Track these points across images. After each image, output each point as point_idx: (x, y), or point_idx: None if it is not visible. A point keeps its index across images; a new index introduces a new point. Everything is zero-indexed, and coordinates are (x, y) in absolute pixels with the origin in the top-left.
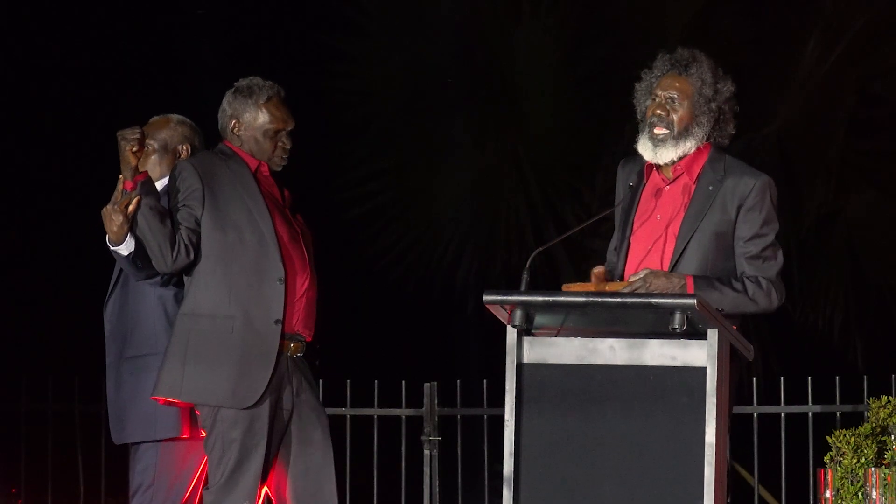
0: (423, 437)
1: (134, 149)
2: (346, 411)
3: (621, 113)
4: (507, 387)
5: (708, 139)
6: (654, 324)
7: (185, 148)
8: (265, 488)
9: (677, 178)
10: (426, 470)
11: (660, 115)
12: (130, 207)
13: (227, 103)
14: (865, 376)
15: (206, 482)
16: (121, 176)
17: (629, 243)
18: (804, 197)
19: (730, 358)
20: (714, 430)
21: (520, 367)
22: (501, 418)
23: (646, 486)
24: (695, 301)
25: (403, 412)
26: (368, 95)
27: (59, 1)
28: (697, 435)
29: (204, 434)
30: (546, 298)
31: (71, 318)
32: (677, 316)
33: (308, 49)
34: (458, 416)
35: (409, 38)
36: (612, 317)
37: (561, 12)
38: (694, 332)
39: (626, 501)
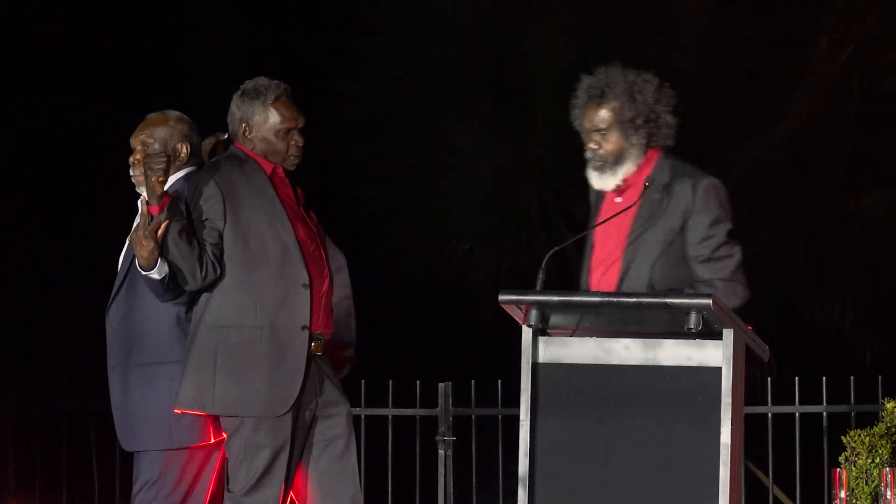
0: (438, 437)
1: (160, 179)
2: (361, 411)
3: None
4: (523, 387)
5: (652, 146)
6: (670, 324)
7: (184, 146)
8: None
9: (626, 190)
10: (441, 470)
11: (593, 149)
12: (160, 232)
13: (236, 107)
14: (880, 376)
15: (228, 486)
16: (143, 199)
17: (590, 260)
18: (816, 196)
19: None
20: (729, 430)
21: (535, 366)
22: (516, 418)
23: (661, 486)
24: (710, 301)
25: (418, 412)
26: (379, 94)
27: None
28: (712, 435)
29: (224, 436)
30: (561, 298)
31: (83, 319)
32: (693, 316)
33: (318, 48)
34: (473, 416)
35: (421, 37)
36: (628, 317)
37: (573, 11)
38: (709, 333)
39: (641, 501)
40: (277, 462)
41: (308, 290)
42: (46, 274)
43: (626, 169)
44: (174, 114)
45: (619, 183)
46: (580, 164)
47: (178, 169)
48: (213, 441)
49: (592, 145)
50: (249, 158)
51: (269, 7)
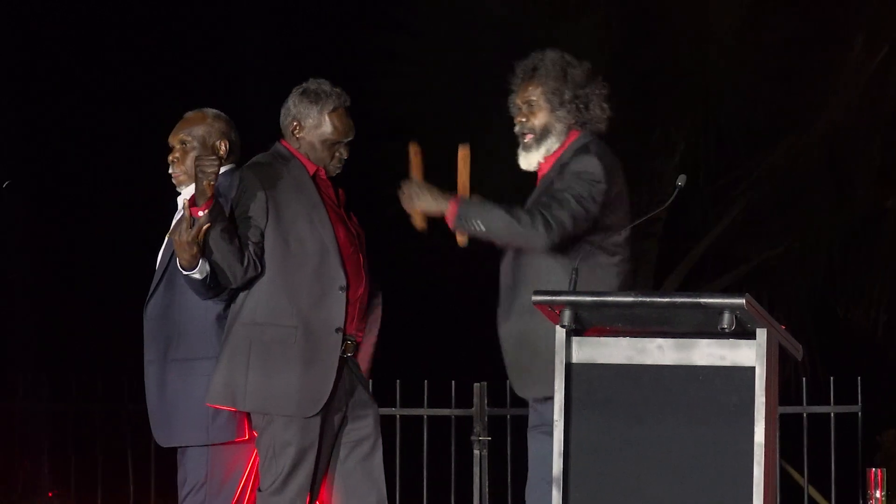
0: (473, 437)
1: (211, 182)
2: (397, 411)
3: (667, 112)
4: (556, 387)
5: (577, 127)
6: (703, 323)
7: (223, 143)
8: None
9: (540, 172)
10: (476, 470)
11: (522, 122)
12: (200, 236)
13: (293, 104)
14: None
15: (259, 485)
16: (184, 202)
17: None
18: (851, 196)
19: (778, 358)
20: (763, 430)
21: (568, 367)
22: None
23: (695, 486)
24: (744, 301)
25: (453, 412)
26: (415, 93)
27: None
28: (747, 435)
29: (255, 434)
30: (594, 298)
31: (119, 318)
32: (726, 316)
33: (354, 48)
34: (508, 416)
35: (458, 37)
36: (661, 316)
37: (606, 11)
38: (743, 332)
39: (675, 501)
40: (304, 462)
41: (344, 293)
42: (82, 273)
43: (550, 144)
44: (211, 111)
45: (541, 160)
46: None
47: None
48: (248, 437)
49: (521, 118)
50: (293, 157)
51: (308, 8)
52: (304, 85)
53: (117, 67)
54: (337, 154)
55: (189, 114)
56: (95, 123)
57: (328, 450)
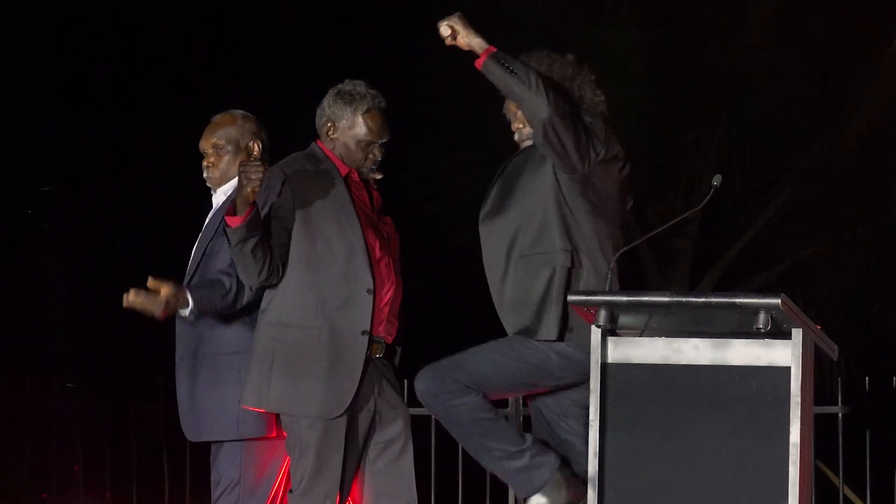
0: None
1: (256, 189)
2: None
3: (703, 112)
4: (592, 387)
5: None
6: (739, 323)
7: (256, 144)
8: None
9: None
10: None
11: (519, 128)
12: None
13: (327, 104)
14: None
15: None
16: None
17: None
18: (886, 195)
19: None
20: (799, 430)
21: (604, 367)
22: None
23: (730, 486)
24: (779, 301)
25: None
26: (446, 94)
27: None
28: (782, 435)
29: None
30: (630, 298)
31: (154, 318)
32: (762, 316)
33: (386, 49)
34: None
35: (495, 38)
36: (696, 316)
37: (642, 12)
38: (778, 332)
39: (710, 501)
40: (331, 463)
41: (371, 296)
42: (117, 273)
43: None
44: (240, 112)
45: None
46: (651, 163)
47: None
48: (276, 434)
49: (518, 124)
50: (326, 158)
51: (341, 9)
52: (339, 86)
53: (153, 69)
54: (371, 155)
55: (217, 117)
56: (132, 125)
57: (356, 451)
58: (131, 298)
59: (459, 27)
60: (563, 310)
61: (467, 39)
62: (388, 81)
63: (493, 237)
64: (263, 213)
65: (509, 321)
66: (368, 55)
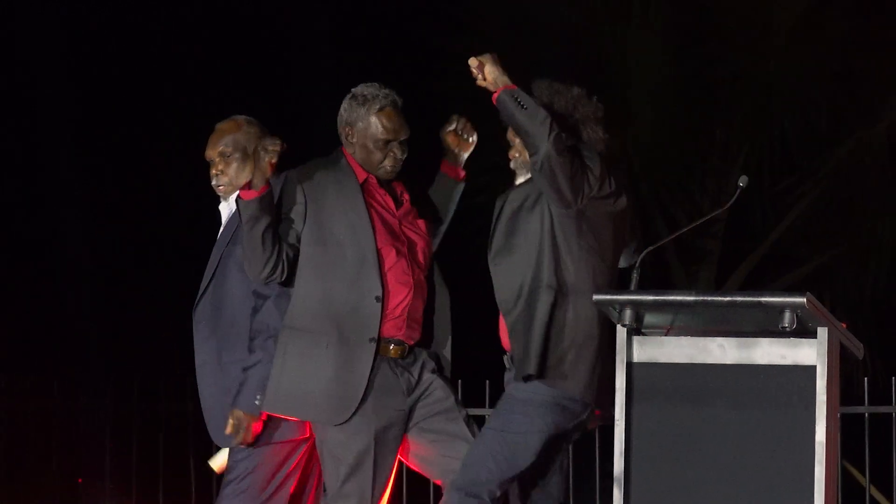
0: None
1: (273, 160)
2: (486, 411)
3: (730, 113)
4: (618, 386)
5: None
6: (764, 322)
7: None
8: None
9: None
10: None
11: (515, 157)
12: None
13: (344, 109)
14: None
15: (325, 488)
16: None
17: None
18: None
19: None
20: (825, 429)
21: (630, 366)
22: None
23: (756, 485)
24: (805, 300)
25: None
26: (478, 93)
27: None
28: (808, 434)
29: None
30: (655, 298)
31: (181, 320)
32: (787, 315)
33: (419, 50)
34: None
35: (519, 38)
36: (722, 316)
37: (670, 15)
38: (804, 331)
39: (736, 500)
40: (362, 466)
41: (380, 303)
42: (145, 275)
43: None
44: (243, 118)
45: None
46: (676, 164)
47: None
48: (299, 437)
49: (514, 153)
50: (346, 165)
51: (370, 8)
52: (352, 91)
53: (179, 71)
54: (391, 154)
55: (221, 125)
56: (161, 128)
57: (390, 452)
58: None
59: (488, 62)
60: (544, 346)
61: (494, 75)
62: (412, 81)
63: (501, 278)
64: (276, 213)
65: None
66: (398, 53)
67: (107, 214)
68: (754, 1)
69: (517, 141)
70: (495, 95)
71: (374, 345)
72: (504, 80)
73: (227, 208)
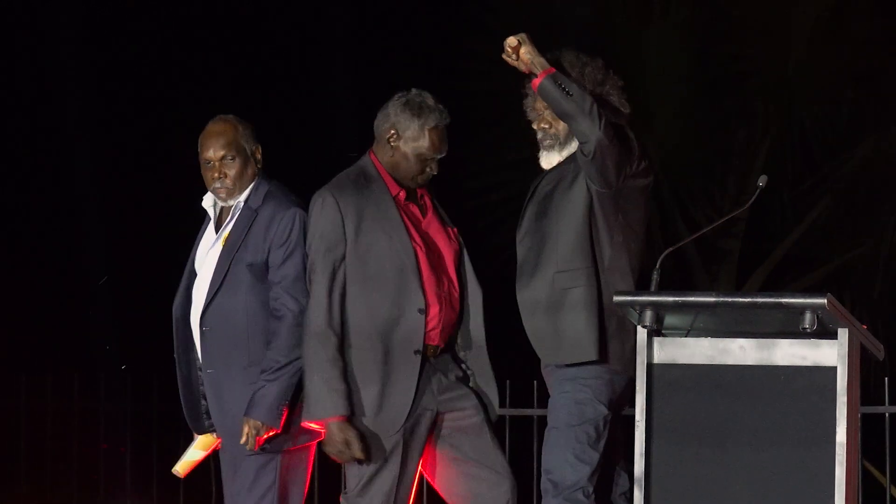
0: None
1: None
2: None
3: (751, 113)
4: (638, 387)
5: None
6: (785, 323)
7: (257, 148)
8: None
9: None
10: None
11: (544, 129)
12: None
13: (394, 111)
14: None
15: (344, 487)
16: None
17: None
18: None
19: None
20: (845, 430)
21: (650, 367)
22: (633, 418)
23: (777, 486)
24: (825, 301)
25: (534, 412)
26: (498, 92)
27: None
28: (828, 435)
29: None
30: (676, 299)
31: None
32: (808, 316)
33: (441, 49)
34: None
35: (542, 38)
36: (742, 317)
37: (689, 12)
38: (824, 332)
39: (757, 501)
40: (388, 466)
41: (423, 315)
42: (163, 277)
43: (572, 148)
44: (232, 118)
45: (561, 160)
46: (697, 165)
47: (252, 178)
48: (316, 439)
49: (544, 125)
50: (378, 177)
51: (392, 9)
52: (407, 95)
53: (199, 72)
54: (427, 169)
55: (215, 126)
56: (179, 127)
57: (416, 453)
58: None
59: (526, 42)
60: (600, 328)
61: (530, 56)
62: (443, 82)
63: (525, 258)
64: (329, 270)
65: (540, 336)
66: (420, 51)
67: (125, 215)
68: (775, 1)
69: (546, 112)
70: (536, 81)
71: (419, 357)
72: (542, 62)
73: (211, 204)
